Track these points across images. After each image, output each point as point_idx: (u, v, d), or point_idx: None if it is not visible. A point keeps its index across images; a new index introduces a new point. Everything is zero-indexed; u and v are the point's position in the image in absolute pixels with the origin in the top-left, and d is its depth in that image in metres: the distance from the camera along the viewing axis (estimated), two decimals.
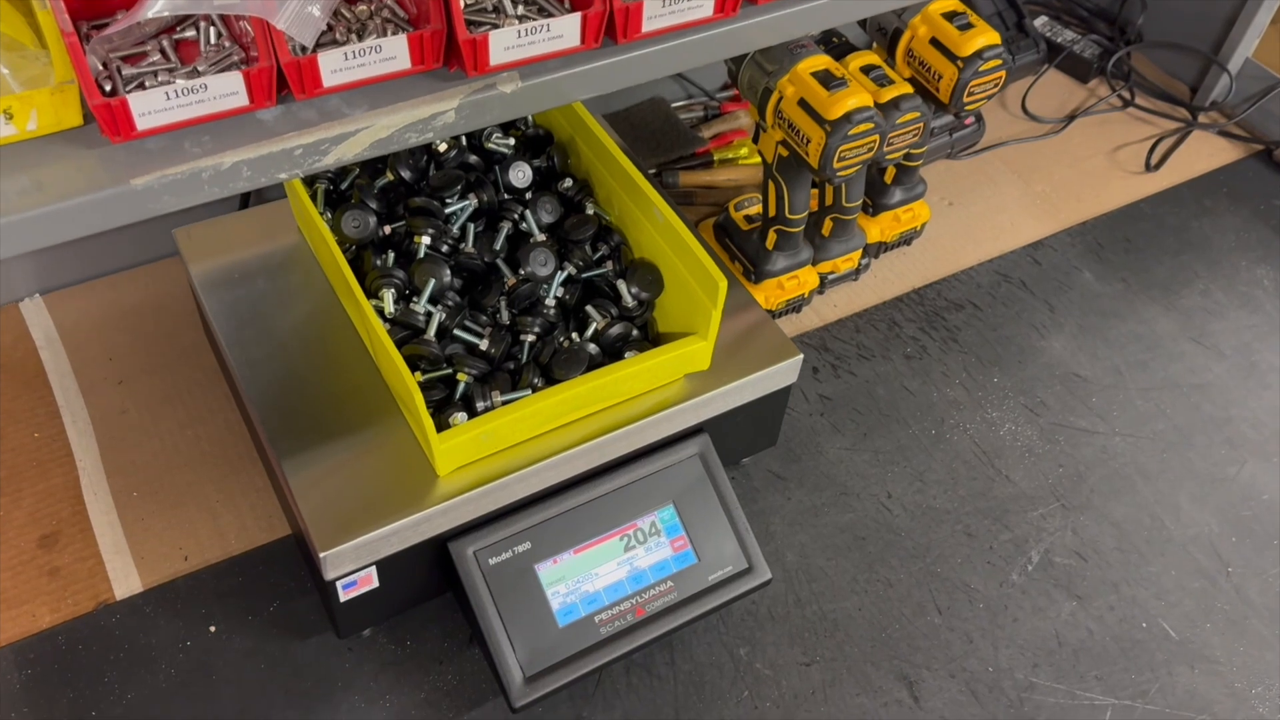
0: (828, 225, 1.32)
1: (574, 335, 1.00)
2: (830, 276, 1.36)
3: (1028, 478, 1.22)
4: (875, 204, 1.38)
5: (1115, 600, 1.13)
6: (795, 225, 1.24)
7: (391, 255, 1.01)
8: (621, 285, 1.02)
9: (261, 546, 1.09)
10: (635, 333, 1.02)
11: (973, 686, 1.05)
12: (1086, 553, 1.17)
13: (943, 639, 1.09)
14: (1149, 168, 1.62)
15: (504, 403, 0.93)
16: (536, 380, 0.96)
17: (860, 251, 1.36)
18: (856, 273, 1.38)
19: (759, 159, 1.48)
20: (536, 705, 0.99)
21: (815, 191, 1.33)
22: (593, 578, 1.00)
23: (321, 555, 0.89)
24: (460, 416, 0.92)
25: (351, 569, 0.93)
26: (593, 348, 0.98)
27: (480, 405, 0.93)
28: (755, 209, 1.34)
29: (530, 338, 0.99)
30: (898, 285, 1.41)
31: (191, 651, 1.01)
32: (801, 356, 1.07)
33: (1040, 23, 1.78)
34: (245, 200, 1.27)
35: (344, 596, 0.95)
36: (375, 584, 0.96)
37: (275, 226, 1.13)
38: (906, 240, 1.43)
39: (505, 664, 0.96)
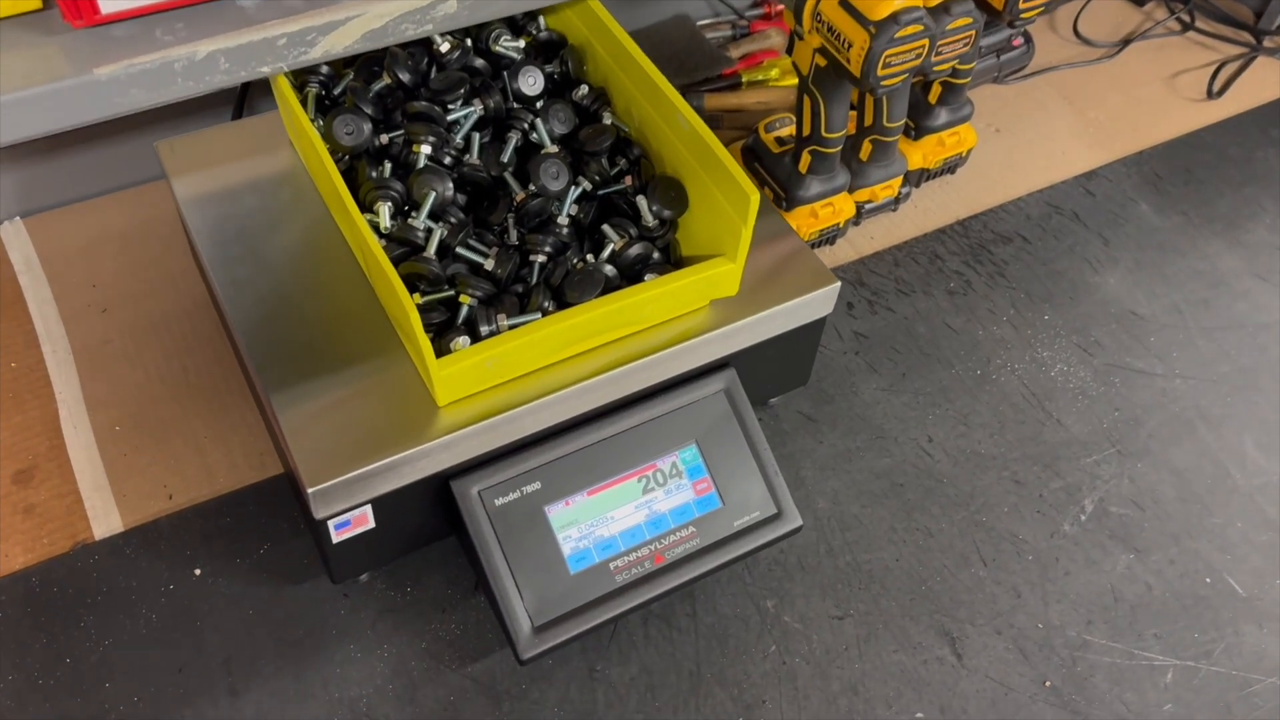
0: (866, 148, 1.22)
1: (589, 256, 0.91)
2: (868, 206, 1.26)
3: (1081, 422, 1.13)
4: (918, 126, 1.27)
5: (1176, 553, 1.04)
6: (832, 146, 1.14)
7: (388, 166, 0.92)
8: (641, 202, 0.93)
9: (252, 485, 1.01)
10: (656, 255, 0.93)
11: (1020, 644, 0.97)
12: (1144, 502, 1.07)
13: (988, 593, 1.00)
14: (1210, 95, 1.50)
15: (510, 327, 0.85)
16: (547, 304, 0.87)
17: (901, 179, 1.26)
18: (896, 202, 1.28)
19: (791, 81, 1.38)
20: (546, 657, 0.91)
21: (853, 114, 1.23)
22: (608, 521, 0.92)
23: (310, 491, 0.81)
24: (462, 341, 0.84)
25: (344, 508, 0.85)
26: (609, 269, 0.89)
27: (484, 330, 0.85)
28: (788, 130, 1.24)
29: (540, 258, 0.90)
30: (940, 216, 1.31)
31: (175, 596, 0.94)
32: (838, 285, 0.98)
33: None
34: (239, 113, 1.19)
35: (336, 538, 0.87)
36: (371, 525, 0.88)
37: (266, 140, 1.04)
38: (950, 168, 1.33)
39: (512, 613, 0.88)
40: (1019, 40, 1.45)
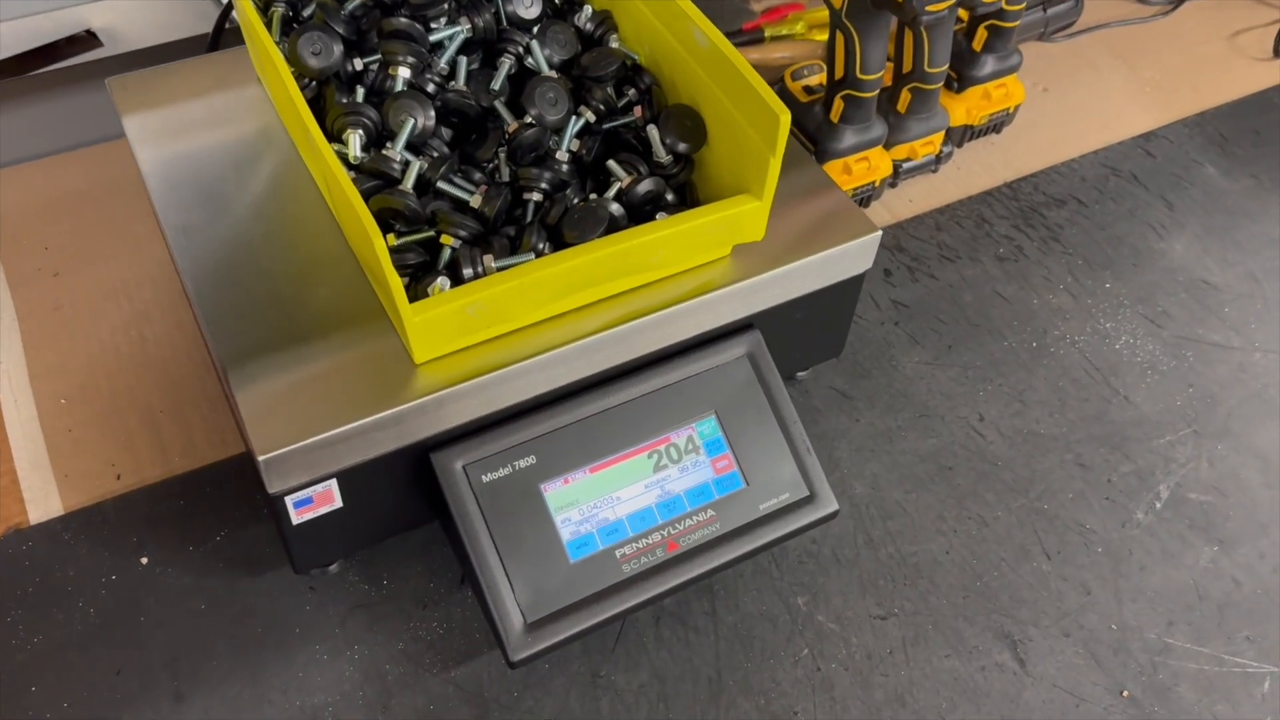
0: (905, 99, 1.10)
1: (592, 196, 0.79)
2: (906, 165, 1.14)
3: (1151, 399, 1.00)
4: (962, 77, 1.15)
5: (1266, 546, 0.90)
6: (867, 89, 1.02)
7: (361, 92, 0.80)
8: (653, 134, 0.81)
9: (210, 466, 0.89)
10: (671, 196, 0.81)
11: (1092, 648, 0.83)
12: (1226, 488, 0.94)
13: (1053, 590, 0.87)
14: (1277, 54, 1.38)
15: (499, 270, 0.73)
16: (542, 246, 0.75)
17: (942, 135, 1.14)
18: (937, 161, 1.16)
19: (818, 36, 1.26)
20: (541, 659, 0.79)
21: (890, 65, 1.11)
22: (613, 503, 0.79)
23: (262, 460, 0.69)
24: (441, 284, 0.71)
25: (304, 481, 0.72)
26: (615, 208, 0.77)
27: (468, 273, 0.72)
28: (817, 78, 1.12)
29: (535, 196, 0.78)
30: (985, 179, 1.18)
31: (117, 587, 0.82)
32: (879, 234, 0.85)
33: None
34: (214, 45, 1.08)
35: (297, 518, 0.75)
36: (338, 504, 0.76)
37: (233, 77, 0.92)
38: (995, 126, 1.21)
39: (502, 607, 0.75)
40: None
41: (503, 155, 0.80)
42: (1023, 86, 1.19)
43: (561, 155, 0.80)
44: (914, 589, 0.86)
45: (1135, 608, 0.86)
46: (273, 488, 0.71)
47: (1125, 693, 0.81)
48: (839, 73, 1.03)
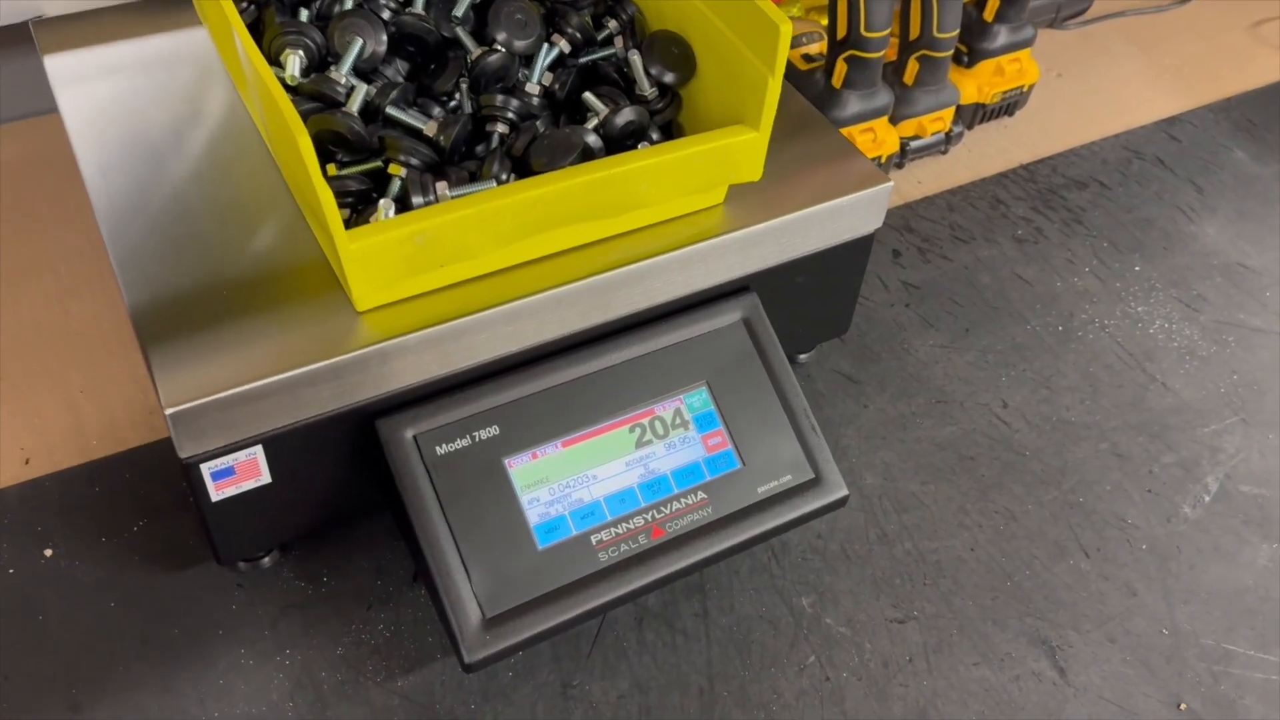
0: (912, 69, 1.01)
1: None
2: (914, 143, 1.05)
3: (1192, 386, 0.90)
4: (972, 50, 1.07)
5: None
6: (872, 49, 0.93)
7: (306, 15, 0.71)
8: (636, 64, 0.72)
9: (132, 450, 0.78)
10: (656, 135, 0.71)
11: (1142, 655, 0.72)
12: None
13: (1094, 590, 0.76)
14: None
15: (455, 199, 0.63)
16: (505, 176, 0.65)
17: (953, 111, 1.05)
18: (947, 141, 1.07)
19: (818, 18, 1.18)
20: (502, 663, 0.68)
21: (895, 38, 1.03)
22: (589, 482, 0.69)
23: (169, 414, 0.58)
24: (385, 208, 0.62)
25: (223, 445, 0.62)
26: (593, 139, 0.67)
27: (418, 201, 0.63)
28: (817, 46, 1.04)
29: (500, 128, 0.68)
30: (999, 161, 1.09)
31: (14, 582, 0.71)
32: (890, 185, 0.76)
33: None
34: None
35: (216, 492, 0.64)
36: (265, 478, 0.65)
37: (169, 21, 0.83)
38: (1008, 107, 1.12)
39: (456, 600, 0.64)
40: None
41: (465, 87, 0.71)
42: (1037, 65, 1.11)
43: (532, 88, 0.71)
44: (935, 589, 0.75)
45: (1188, 611, 0.75)
46: (185, 451, 0.61)
47: (1182, 705, 0.70)
48: (841, 31, 0.94)
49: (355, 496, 0.70)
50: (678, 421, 0.72)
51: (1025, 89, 1.11)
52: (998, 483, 0.82)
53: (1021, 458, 0.83)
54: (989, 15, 1.05)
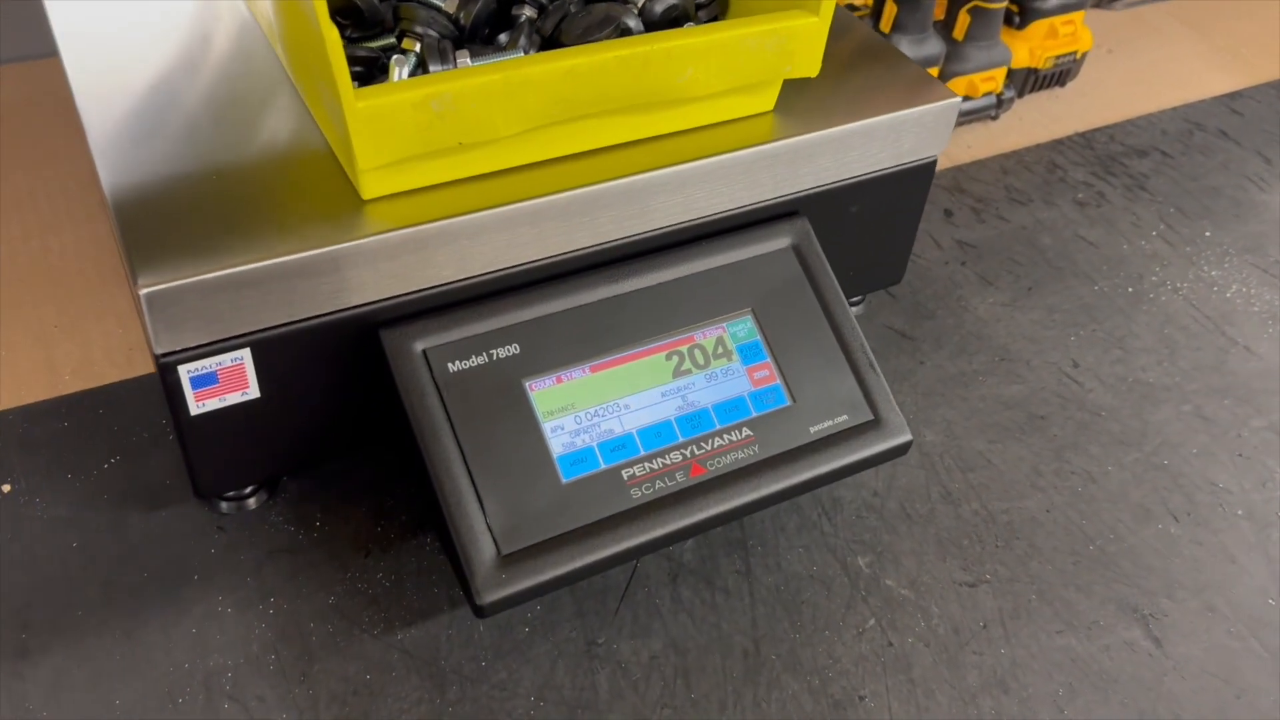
0: (963, 22, 0.95)
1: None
2: (964, 104, 0.98)
3: (1277, 349, 0.81)
4: (1024, 9, 1.00)
5: None
6: None
7: None
8: None
9: (107, 385, 0.70)
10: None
11: (1249, 626, 0.63)
12: None
13: (1188, 556, 0.67)
14: None
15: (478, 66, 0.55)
16: (533, 51, 0.58)
17: (1004, 71, 0.99)
18: (998, 105, 1.00)
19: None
20: (517, 616, 0.59)
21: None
22: (620, 411, 0.60)
23: (143, 294, 0.51)
24: (399, 66, 0.54)
25: (205, 342, 0.54)
26: (633, 20, 0.60)
27: (436, 69, 0.55)
28: None
29: (528, 10, 0.61)
30: (1051, 130, 1.03)
31: None
32: (958, 101, 0.69)
33: None
34: None
35: (197, 403, 0.56)
36: (253, 391, 0.57)
37: None
38: (1060, 76, 1.05)
39: (469, 533, 0.55)
40: None
41: None
42: (1091, 34, 1.05)
43: None
44: (1009, 552, 0.66)
45: None
46: (160, 346, 0.53)
47: None
48: None
49: (356, 426, 0.62)
50: (720, 351, 0.63)
51: (1079, 55, 1.04)
52: (1072, 443, 0.73)
53: (1097, 418, 0.75)
54: None
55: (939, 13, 0.99)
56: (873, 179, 0.69)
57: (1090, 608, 0.64)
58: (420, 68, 0.56)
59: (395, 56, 0.54)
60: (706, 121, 0.63)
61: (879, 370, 0.65)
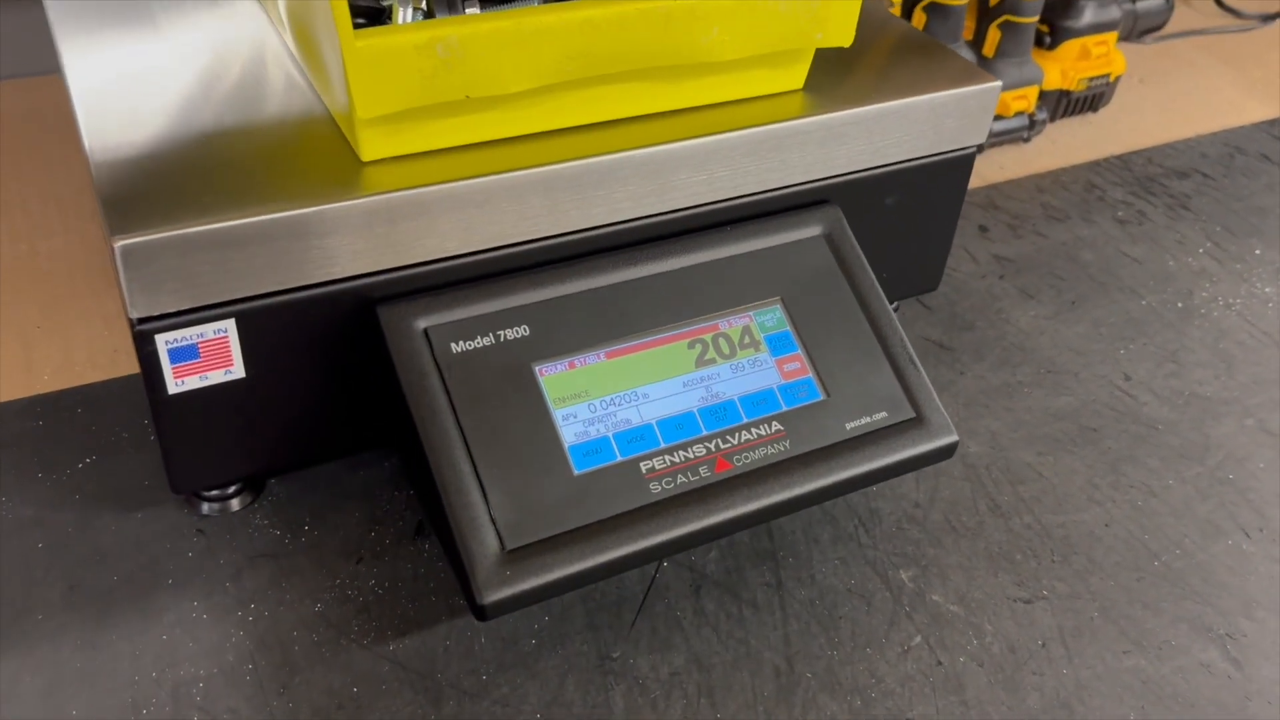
0: (993, 38, 0.92)
1: None
2: (995, 123, 0.94)
3: None
4: (1055, 29, 0.97)
5: None
6: None
7: None
8: None
9: (86, 386, 0.66)
10: None
11: None
12: None
13: (1264, 573, 0.60)
14: None
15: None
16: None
17: (1037, 90, 0.95)
18: (1030, 126, 0.96)
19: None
20: (524, 619, 0.53)
21: (974, 8, 0.94)
22: (638, 400, 0.55)
23: (117, 245, 0.46)
24: (403, 6, 0.51)
25: (186, 309, 0.49)
26: None
27: (443, 17, 0.52)
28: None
29: None
30: (1086, 153, 0.99)
31: None
32: (998, 85, 0.64)
33: None
34: None
35: (175, 381, 0.51)
36: (238, 370, 0.52)
37: None
38: (1093, 100, 1.02)
39: (470, 525, 0.50)
40: None
41: None
42: (1124, 58, 1.01)
43: None
44: (1067, 567, 0.60)
45: None
46: (136, 309, 0.48)
47: None
48: None
49: (351, 421, 0.57)
50: (747, 341, 0.58)
51: (1112, 79, 1.01)
52: (1129, 455, 0.67)
53: (1154, 431, 0.69)
54: None
55: (968, 33, 0.96)
56: (909, 168, 0.65)
57: (1160, 627, 0.57)
58: (426, 16, 0.53)
59: (400, 11, 0.51)
60: (733, 96, 0.59)
61: (920, 367, 0.60)
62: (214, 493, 0.58)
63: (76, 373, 0.66)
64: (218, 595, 0.54)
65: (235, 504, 0.59)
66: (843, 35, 0.58)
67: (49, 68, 0.95)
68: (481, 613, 0.49)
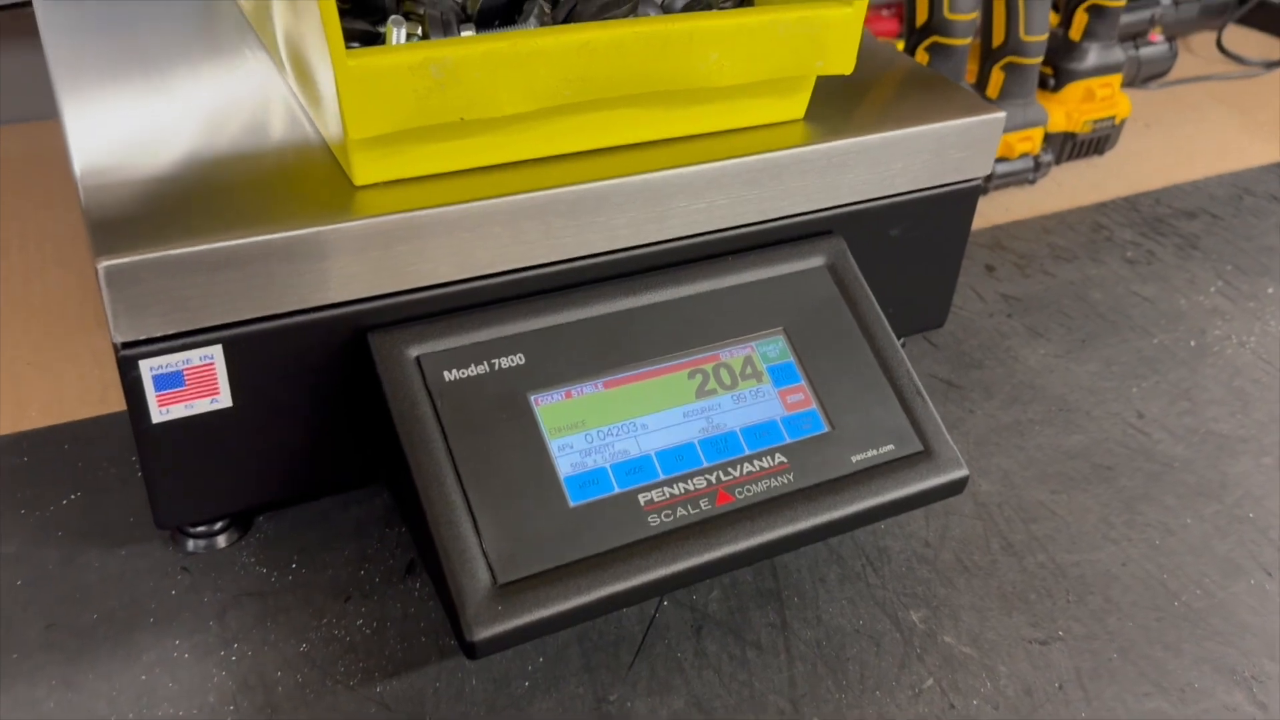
0: (996, 80, 0.91)
1: None
2: (1000, 165, 0.94)
3: None
4: (1060, 71, 0.97)
5: None
6: (958, 33, 0.84)
7: None
8: None
9: (76, 422, 0.64)
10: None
11: None
12: None
13: None
14: None
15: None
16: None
17: (1042, 132, 0.94)
18: (1035, 168, 0.96)
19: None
20: (518, 659, 0.51)
21: (976, 50, 0.94)
22: (636, 431, 0.54)
23: (101, 266, 0.45)
24: (396, 28, 0.50)
25: (172, 333, 0.48)
26: (654, 12, 0.56)
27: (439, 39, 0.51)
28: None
29: (540, 2, 0.57)
30: (1092, 195, 0.98)
31: None
32: (1002, 116, 0.64)
33: None
34: None
35: (160, 409, 0.49)
36: (224, 399, 0.51)
37: None
38: (1098, 143, 1.01)
39: (460, 558, 0.48)
40: (1156, 35, 1.16)
41: None
42: (1129, 101, 1.01)
43: None
44: (1083, 607, 0.58)
45: None
46: (121, 333, 0.47)
47: None
48: (922, 17, 0.85)
49: (343, 455, 0.55)
50: (748, 371, 0.57)
51: (1117, 121, 1.00)
52: (1144, 494, 0.65)
53: (1169, 469, 0.67)
54: (1075, 34, 0.96)
55: (971, 75, 0.96)
56: (912, 200, 0.64)
57: (1181, 668, 0.55)
58: (421, 39, 0.52)
59: (393, 18, 0.50)
60: (733, 125, 0.58)
61: (927, 399, 0.58)
62: (200, 529, 0.57)
63: (66, 410, 0.65)
64: (200, 634, 0.52)
65: (222, 541, 0.57)
66: (843, 63, 0.57)
67: (48, 113, 0.95)
68: (471, 650, 0.47)
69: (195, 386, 0.50)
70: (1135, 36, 1.14)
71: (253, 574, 0.56)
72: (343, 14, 0.55)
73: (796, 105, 0.60)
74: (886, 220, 0.64)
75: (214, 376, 0.50)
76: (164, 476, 0.52)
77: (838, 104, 0.63)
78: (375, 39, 0.53)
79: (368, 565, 0.57)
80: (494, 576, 0.48)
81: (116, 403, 0.66)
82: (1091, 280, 0.85)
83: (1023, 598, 0.58)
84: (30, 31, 0.90)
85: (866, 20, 0.64)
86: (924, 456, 0.57)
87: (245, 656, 0.52)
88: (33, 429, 0.63)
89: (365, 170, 0.51)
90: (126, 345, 0.47)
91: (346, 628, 0.53)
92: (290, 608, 0.54)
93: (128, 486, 0.60)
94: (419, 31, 0.53)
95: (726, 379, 0.56)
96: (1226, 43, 1.29)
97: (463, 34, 0.52)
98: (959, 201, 0.66)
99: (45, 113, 0.95)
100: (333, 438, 0.55)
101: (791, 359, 0.58)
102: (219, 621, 0.53)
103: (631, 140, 0.56)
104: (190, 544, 0.57)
